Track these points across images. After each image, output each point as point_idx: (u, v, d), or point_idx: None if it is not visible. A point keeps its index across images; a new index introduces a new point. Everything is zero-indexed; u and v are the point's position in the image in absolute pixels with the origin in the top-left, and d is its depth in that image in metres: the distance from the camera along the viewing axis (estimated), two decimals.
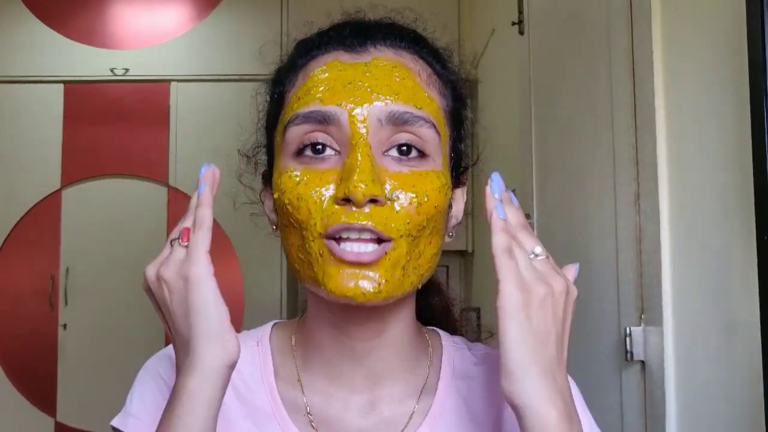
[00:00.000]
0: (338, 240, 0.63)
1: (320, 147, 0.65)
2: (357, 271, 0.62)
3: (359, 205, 0.62)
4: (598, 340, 1.51)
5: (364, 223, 0.62)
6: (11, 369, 3.48)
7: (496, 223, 0.62)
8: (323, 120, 0.65)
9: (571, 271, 0.66)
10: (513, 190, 0.66)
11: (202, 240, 0.62)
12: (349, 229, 0.62)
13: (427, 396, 0.73)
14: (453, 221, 0.73)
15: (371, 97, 0.65)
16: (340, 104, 0.64)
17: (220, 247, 3.43)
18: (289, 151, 0.66)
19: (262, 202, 0.75)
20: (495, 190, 0.64)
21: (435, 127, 0.66)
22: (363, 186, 0.61)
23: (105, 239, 3.50)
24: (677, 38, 1.24)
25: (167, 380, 0.74)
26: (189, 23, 3.63)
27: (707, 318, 1.13)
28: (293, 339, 0.76)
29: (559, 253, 2.12)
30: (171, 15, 3.64)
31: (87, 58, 3.57)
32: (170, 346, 0.76)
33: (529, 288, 0.59)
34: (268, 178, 0.74)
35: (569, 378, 0.76)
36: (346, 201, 0.62)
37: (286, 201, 0.64)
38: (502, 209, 0.63)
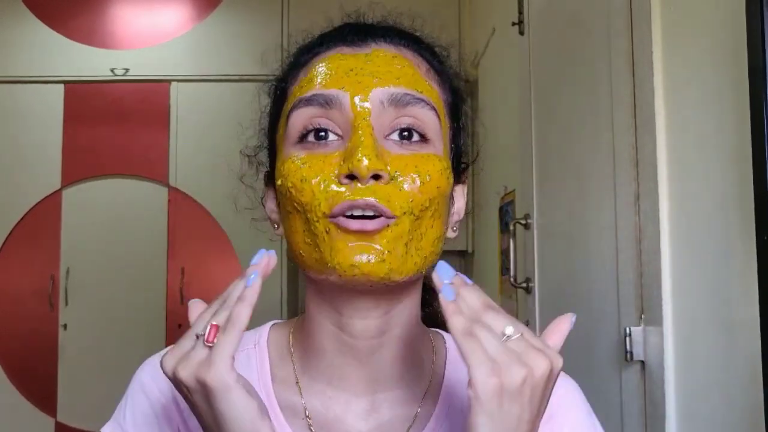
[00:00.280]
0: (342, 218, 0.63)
1: (323, 133, 0.65)
2: (362, 243, 0.62)
3: (363, 180, 0.61)
4: (598, 340, 1.51)
5: (368, 198, 0.62)
6: (11, 369, 3.48)
7: (447, 308, 0.57)
8: (325, 103, 0.65)
9: (565, 324, 0.61)
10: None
11: (232, 343, 0.57)
12: (353, 206, 0.62)
13: (430, 400, 0.72)
14: (455, 217, 0.73)
15: (373, 81, 0.65)
16: (342, 87, 0.65)
17: (221, 246, 3.43)
18: (292, 138, 0.66)
19: (263, 206, 0.75)
20: (443, 276, 0.59)
21: (435, 110, 0.67)
22: (367, 161, 0.61)
23: (105, 239, 3.50)
24: (677, 39, 1.24)
25: (162, 398, 0.73)
26: (189, 23, 3.63)
27: (707, 318, 1.13)
28: (291, 340, 0.75)
29: (559, 253, 2.11)
30: (171, 15, 3.64)
31: (87, 58, 3.57)
32: (163, 353, 0.76)
33: (503, 372, 0.54)
34: (269, 179, 0.73)
35: (576, 387, 0.76)
36: (350, 178, 0.62)
37: (289, 185, 0.64)
38: (450, 291, 0.58)
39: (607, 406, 1.42)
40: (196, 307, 0.62)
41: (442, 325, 0.83)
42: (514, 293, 2.29)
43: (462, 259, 3.43)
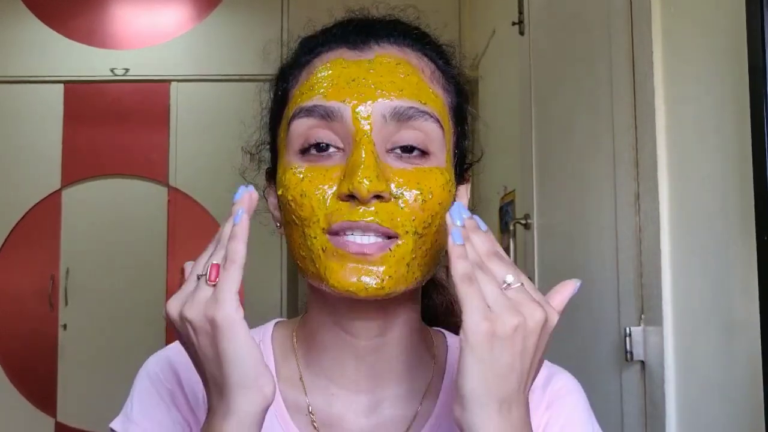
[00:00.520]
0: (341, 235, 0.63)
1: (324, 145, 0.65)
2: (360, 265, 0.62)
3: (364, 202, 0.61)
4: (598, 340, 1.51)
5: (368, 220, 0.62)
6: (11, 369, 3.48)
7: (453, 251, 0.57)
8: (326, 115, 0.64)
9: (569, 288, 0.61)
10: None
11: (234, 280, 0.58)
12: (353, 227, 0.62)
13: (431, 397, 0.73)
14: None
15: (375, 94, 0.64)
16: (344, 100, 0.64)
17: None
18: (294, 148, 0.66)
19: (266, 200, 0.75)
20: (455, 217, 0.60)
21: (439, 122, 0.66)
22: (367, 182, 0.60)
23: (105, 239, 3.50)
24: (677, 38, 1.24)
25: (167, 384, 0.73)
26: (189, 23, 3.63)
27: (707, 318, 1.14)
28: (295, 338, 0.76)
29: (559, 253, 2.11)
30: (171, 15, 3.64)
31: (87, 58, 3.57)
32: (169, 347, 0.76)
33: (496, 318, 0.54)
34: (271, 175, 0.73)
35: (577, 385, 0.76)
36: (350, 197, 0.62)
37: (290, 198, 0.64)
38: (459, 235, 0.58)
39: (607, 406, 1.42)
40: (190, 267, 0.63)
41: (441, 319, 0.83)
42: None
43: None
